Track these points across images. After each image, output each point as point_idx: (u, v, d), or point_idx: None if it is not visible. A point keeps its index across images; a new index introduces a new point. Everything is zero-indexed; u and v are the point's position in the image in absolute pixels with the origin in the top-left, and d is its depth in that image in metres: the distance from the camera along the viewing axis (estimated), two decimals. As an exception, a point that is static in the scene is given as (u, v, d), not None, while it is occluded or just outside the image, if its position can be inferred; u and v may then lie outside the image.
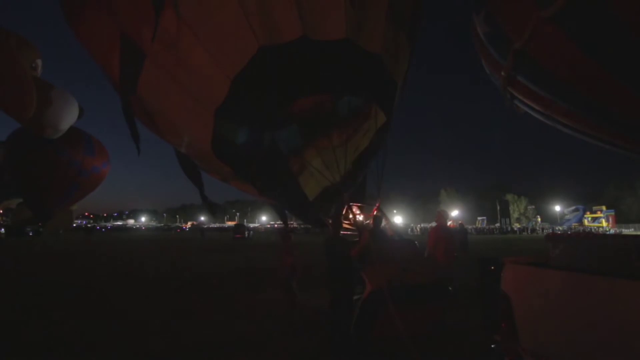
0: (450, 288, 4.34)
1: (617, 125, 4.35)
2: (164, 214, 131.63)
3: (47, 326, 5.02)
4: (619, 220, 48.11)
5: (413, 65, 5.07)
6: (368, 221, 5.29)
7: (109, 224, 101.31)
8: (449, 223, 6.25)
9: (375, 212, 5.06)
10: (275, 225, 72.22)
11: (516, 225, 57.95)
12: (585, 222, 46.16)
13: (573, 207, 51.16)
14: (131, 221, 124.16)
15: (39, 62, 5.06)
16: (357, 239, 4.83)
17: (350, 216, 5.09)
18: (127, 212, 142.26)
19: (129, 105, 4.06)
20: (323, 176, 4.42)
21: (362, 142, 4.77)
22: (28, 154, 11.17)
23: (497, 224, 56.30)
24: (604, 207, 47.08)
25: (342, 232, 4.67)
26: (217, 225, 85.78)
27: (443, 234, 5.60)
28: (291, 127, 4.25)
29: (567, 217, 50.62)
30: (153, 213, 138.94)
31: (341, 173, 4.38)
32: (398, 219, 58.67)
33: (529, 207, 68.51)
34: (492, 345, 3.47)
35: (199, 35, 3.54)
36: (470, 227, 49.32)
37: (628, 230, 45.03)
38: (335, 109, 4.28)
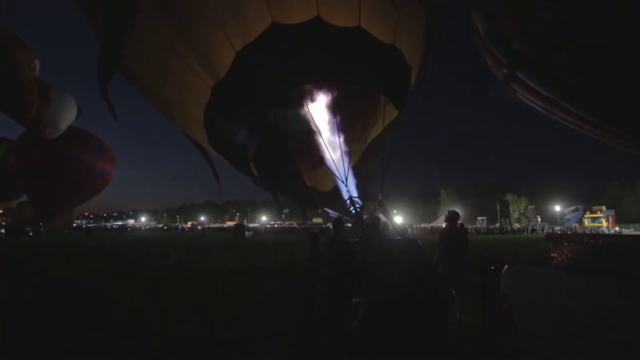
0: (453, 292, 4.31)
1: (616, 125, 4.36)
2: (164, 214, 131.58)
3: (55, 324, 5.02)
4: (619, 220, 48.11)
5: (432, 57, 4.80)
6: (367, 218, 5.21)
7: (109, 224, 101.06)
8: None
9: (375, 211, 5.03)
10: (275, 225, 72.17)
11: (516, 225, 57.94)
12: (586, 222, 46.15)
13: (573, 207, 51.14)
14: (131, 221, 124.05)
15: (37, 62, 5.05)
16: (358, 239, 4.81)
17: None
18: (129, 213, 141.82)
19: (111, 61, 3.79)
20: (326, 167, 4.32)
21: (370, 135, 4.65)
22: (38, 153, 11.22)
23: (497, 224, 56.30)
24: (604, 207, 47.06)
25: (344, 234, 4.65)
26: (217, 225, 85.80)
27: (451, 236, 5.36)
28: (294, 111, 4.10)
29: (567, 217, 50.61)
30: (153, 213, 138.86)
31: (345, 166, 4.27)
32: (398, 219, 58.62)
33: (529, 207, 68.55)
34: (492, 345, 3.46)
35: (209, 4, 3.39)
36: (470, 227, 49.33)
37: (628, 230, 45.05)
38: (343, 97, 4.15)
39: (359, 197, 5.09)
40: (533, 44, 4.05)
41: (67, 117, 5.61)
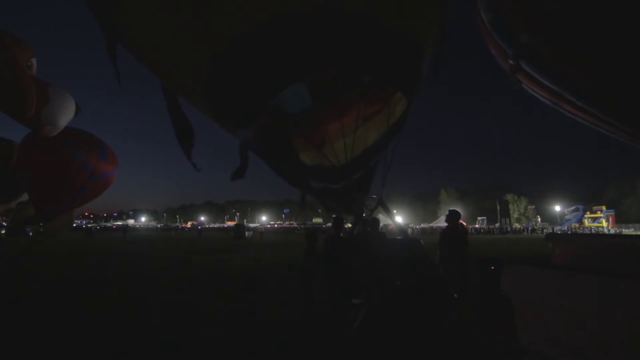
0: (455, 295, 4.28)
1: (622, 121, 4.34)
2: (164, 214, 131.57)
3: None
4: (619, 220, 48.13)
5: (448, 48, 4.61)
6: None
7: (109, 224, 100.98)
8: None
9: (374, 210, 4.97)
10: (275, 225, 72.28)
11: (516, 226, 57.92)
12: (586, 222, 46.16)
13: (573, 207, 51.18)
14: (131, 221, 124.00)
15: (34, 60, 5.07)
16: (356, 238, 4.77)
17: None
18: (129, 212, 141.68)
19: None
20: (326, 158, 4.21)
21: (376, 128, 4.51)
22: (43, 154, 11.25)
23: (497, 224, 56.30)
24: (604, 207, 47.09)
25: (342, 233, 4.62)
26: (217, 225, 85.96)
27: (452, 235, 5.34)
28: (294, 100, 3.97)
29: (567, 217, 50.66)
30: (153, 213, 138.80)
31: (347, 159, 4.16)
32: (398, 219, 58.55)
33: (529, 207, 68.56)
34: (493, 345, 3.44)
35: None
36: (470, 227, 49.40)
37: (628, 230, 45.05)
38: (349, 87, 4.03)
39: (360, 193, 4.97)
40: (537, 36, 4.02)
41: (66, 114, 5.62)
